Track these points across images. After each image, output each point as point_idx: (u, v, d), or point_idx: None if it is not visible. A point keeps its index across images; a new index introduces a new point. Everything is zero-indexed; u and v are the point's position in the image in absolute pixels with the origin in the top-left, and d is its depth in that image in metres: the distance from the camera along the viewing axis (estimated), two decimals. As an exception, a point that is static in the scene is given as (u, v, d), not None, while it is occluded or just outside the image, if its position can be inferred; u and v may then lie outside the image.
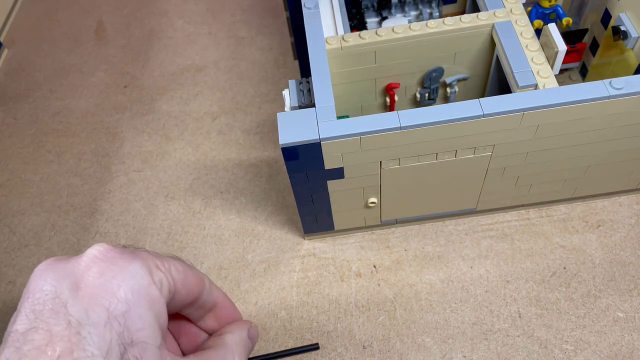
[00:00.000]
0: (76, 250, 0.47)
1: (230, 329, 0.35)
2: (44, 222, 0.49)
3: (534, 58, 0.38)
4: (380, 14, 0.49)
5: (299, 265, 0.44)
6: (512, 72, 0.37)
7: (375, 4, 0.48)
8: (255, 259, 0.45)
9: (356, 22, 0.49)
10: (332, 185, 0.38)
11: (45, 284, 0.26)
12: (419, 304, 0.41)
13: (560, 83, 0.37)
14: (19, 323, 0.25)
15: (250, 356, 0.40)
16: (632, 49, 0.42)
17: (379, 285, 0.42)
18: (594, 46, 0.47)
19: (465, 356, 0.39)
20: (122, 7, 0.68)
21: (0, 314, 0.44)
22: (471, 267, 0.42)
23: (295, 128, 0.34)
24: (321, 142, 0.34)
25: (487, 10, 0.41)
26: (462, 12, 0.50)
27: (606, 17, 0.45)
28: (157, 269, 0.28)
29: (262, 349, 0.40)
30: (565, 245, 0.43)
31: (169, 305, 0.29)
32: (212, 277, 0.44)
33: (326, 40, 0.41)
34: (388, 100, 0.46)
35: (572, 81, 0.50)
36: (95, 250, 0.28)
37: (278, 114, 0.35)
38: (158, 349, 0.27)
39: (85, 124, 0.56)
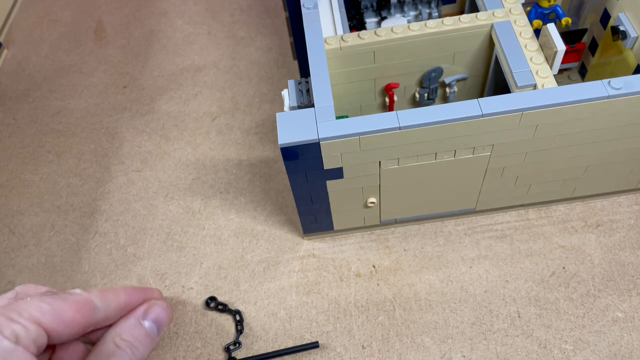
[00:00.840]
0: (75, 250, 0.47)
1: (117, 321, 0.33)
2: (43, 222, 0.49)
3: (532, 58, 0.38)
4: (380, 14, 0.49)
5: (298, 266, 0.44)
6: (511, 72, 0.37)
7: (374, 4, 0.48)
8: (254, 259, 0.45)
9: (355, 22, 0.49)
10: (331, 185, 0.38)
11: None
12: (418, 304, 0.41)
13: (560, 83, 0.37)
14: None
15: (250, 355, 0.40)
16: (631, 48, 0.42)
17: (378, 285, 0.42)
18: (593, 46, 0.47)
19: (464, 356, 0.39)
20: (121, 8, 0.68)
21: (0, 314, 0.44)
22: (470, 267, 0.42)
23: (294, 128, 0.34)
24: (320, 142, 0.34)
25: (486, 10, 0.41)
26: (461, 12, 0.50)
27: (605, 17, 0.45)
28: (9, 322, 0.27)
29: (261, 349, 0.40)
30: (565, 245, 0.43)
31: (53, 342, 0.28)
32: (212, 277, 0.44)
33: (325, 41, 0.41)
34: (387, 100, 0.46)
35: (571, 81, 0.50)
36: None
37: (277, 114, 0.35)
38: None
39: (85, 124, 0.56)
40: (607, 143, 0.38)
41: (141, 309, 0.34)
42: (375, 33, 0.40)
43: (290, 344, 0.40)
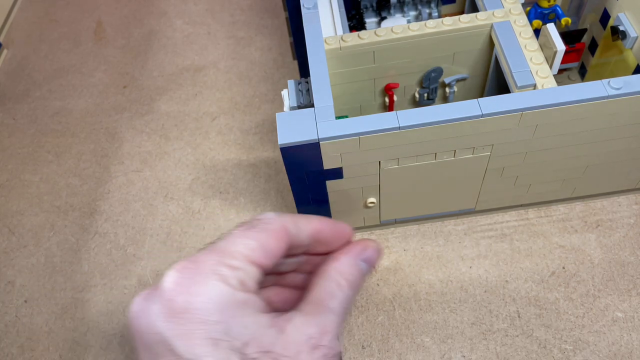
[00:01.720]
0: (75, 250, 0.47)
1: (338, 256, 0.34)
2: (43, 222, 0.49)
3: (532, 58, 0.38)
4: (380, 14, 0.49)
5: (298, 266, 0.44)
6: (510, 72, 0.37)
7: (374, 4, 0.48)
8: (254, 259, 0.45)
9: (355, 23, 0.49)
10: (331, 185, 0.38)
11: (147, 327, 0.28)
12: (418, 304, 0.41)
13: (559, 83, 0.37)
14: None
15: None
16: (631, 48, 0.42)
17: (378, 285, 0.42)
18: (593, 46, 0.47)
19: (464, 356, 0.39)
20: (121, 8, 0.68)
21: None
22: (470, 267, 0.42)
23: (294, 128, 0.34)
24: (320, 142, 0.34)
25: (485, 10, 0.41)
26: (461, 12, 0.50)
27: (605, 17, 0.45)
28: (230, 270, 0.29)
29: (261, 349, 0.40)
30: (565, 245, 0.43)
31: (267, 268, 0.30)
32: (211, 277, 0.44)
33: (325, 41, 0.41)
34: (387, 100, 0.46)
35: (571, 81, 0.50)
36: (169, 283, 0.28)
37: (277, 114, 0.35)
38: (271, 330, 0.28)
39: (85, 124, 0.56)
40: (607, 143, 0.38)
41: (358, 248, 0.35)
42: (375, 33, 0.40)
43: (290, 344, 0.40)
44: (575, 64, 0.50)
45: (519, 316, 0.40)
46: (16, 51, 0.64)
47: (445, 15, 0.49)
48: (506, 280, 0.42)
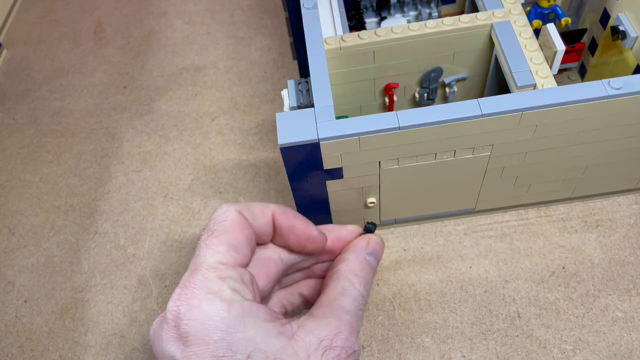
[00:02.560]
0: (75, 250, 0.47)
1: (344, 256, 0.35)
2: (43, 222, 0.49)
3: (532, 58, 0.38)
4: (380, 14, 0.49)
5: (298, 266, 0.44)
6: (510, 72, 0.37)
7: (374, 4, 0.48)
8: (254, 259, 0.45)
9: (355, 23, 0.49)
10: (331, 185, 0.38)
11: (161, 351, 0.30)
12: (418, 304, 0.41)
13: (559, 83, 0.37)
14: None
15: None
16: (631, 48, 0.42)
17: (378, 285, 0.42)
18: (593, 46, 0.47)
19: (464, 356, 0.39)
20: (121, 8, 0.68)
21: (-1, 315, 0.44)
22: (470, 267, 0.42)
23: (294, 128, 0.34)
24: (320, 142, 0.34)
25: (485, 10, 0.41)
26: (461, 12, 0.50)
27: (605, 17, 0.45)
28: (217, 283, 0.30)
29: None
30: (564, 245, 0.43)
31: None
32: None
33: (325, 41, 0.41)
34: (387, 100, 0.46)
35: (571, 81, 0.50)
36: (171, 311, 0.30)
37: (277, 114, 0.35)
38: (278, 338, 0.29)
39: (85, 124, 0.56)
40: (607, 143, 0.38)
41: (362, 244, 0.36)
42: (375, 33, 0.40)
43: (290, 344, 0.40)
44: (575, 64, 0.50)
45: (519, 316, 0.40)
46: (16, 51, 0.64)
47: (445, 15, 0.49)
48: (506, 280, 0.42)
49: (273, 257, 0.36)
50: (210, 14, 0.65)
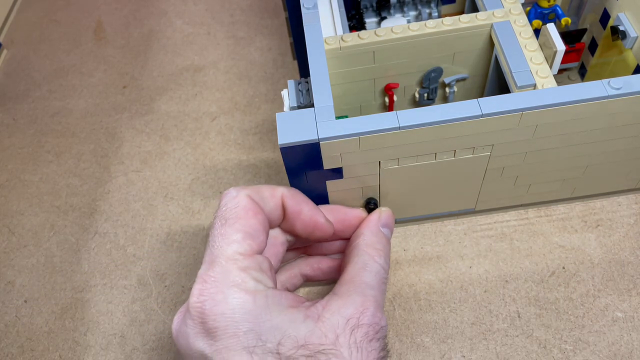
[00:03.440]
0: (75, 250, 0.47)
1: (360, 232, 0.36)
2: (43, 222, 0.49)
3: (532, 58, 0.38)
4: (380, 15, 0.49)
5: (298, 266, 0.44)
6: (510, 72, 0.37)
7: (374, 5, 0.48)
8: (254, 259, 0.45)
9: (355, 23, 0.49)
10: (331, 185, 0.38)
11: (187, 348, 0.30)
12: (418, 304, 0.41)
13: (559, 83, 0.37)
14: None
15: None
16: (631, 48, 0.42)
17: (378, 285, 0.42)
18: (593, 46, 0.47)
19: (464, 356, 0.39)
20: (121, 8, 0.68)
21: (-1, 315, 0.44)
22: (470, 267, 0.42)
23: (294, 128, 0.34)
24: (320, 142, 0.34)
25: (485, 10, 0.41)
26: (462, 12, 0.50)
27: (605, 17, 0.45)
28: (239, 273, 0.30)
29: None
30: (564, 245, 0.43)
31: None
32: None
33: (325, 41, 0.41)
34: (387, 100, 0.46)
35: (571, 81, 0.50)
36: (195, 306, 0.30)
37: (277, 114, 0.35)
38: (305, 322, 0.29)
39: (85, 124, 0.56)
40: (607, 143, 0.38)
41: (374, 217, 0.37)
42: (375, 33, 0.40)
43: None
44: (575, 64, 0.50)
45: (519, 316, 0.40)
46: (16, 51, 0.64)
47: (445, 15, 0.49)
48: (506, 280, 0.42)
49: (279, 237, 0.36)
50: (210, 14, 0.65)
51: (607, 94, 0.34)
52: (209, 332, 0.29)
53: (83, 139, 0.55)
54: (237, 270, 0.30)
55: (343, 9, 0.45)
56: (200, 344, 0.29)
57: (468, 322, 0.40)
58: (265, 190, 0.34)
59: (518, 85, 0.37)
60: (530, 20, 0.45)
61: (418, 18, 0.49)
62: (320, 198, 0.40)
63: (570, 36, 0.47)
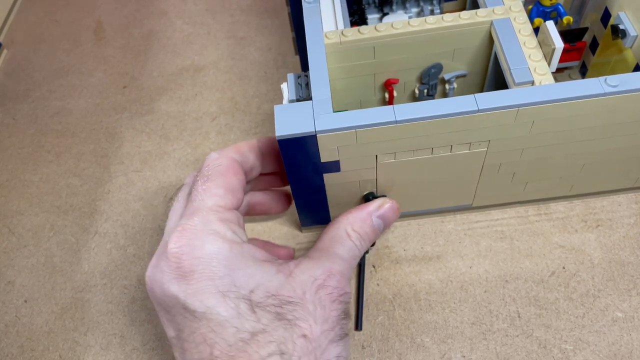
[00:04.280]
0: (75, 250, 0.47)
1: (351, 210, 0.38)
2: (43, 222, 0.49)
3: (531, 55, 0.38)
4: (382, 11, 0.49)
5: (297, 265, 0.44)
6: (509, 69, 0.38)
7: (376, 1, 0.48)
8: (254, 259, 0.45)
9: (357, 18, 0.49)
10: (329, 178, 0.38)
11: (162, 292, 0.31)
12: (418, 304, 0.41)
13: (560, 81, 0.37)
14: (168, 330, 0.32)
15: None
16: (631, 47, 0.42)
17: (377, 285, 0.42)
18: (594, 45, 0.47)
19: (464, 356, 0.38)
20: (121, 8, 0.68)
21: None
22: (470, 267, 0.42)
23: (291, 120, 0.34)
24: (317, 135, 0.34)
25: (486, 7, 0.41)
26: (463, 9, 0.50)
27: (606, 15, 0.44)
28: (219, 224, 0.32)
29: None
30: (564, 245, 0.43)
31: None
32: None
33: (325, 35, 0.41)
34: (387, 95, 0.46)
35: (571, 80, 0.50)
36: (173, 249, 0.31)
37: (275, 106, 0.35)
38: (278, 275, 0.31)
39: (85, 124, 0.56)
40: (604, 141, 0.38)
41: (374, 205, 0.38)
42: (375, 28, 0.40)
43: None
44: (576, 63, 0.50)
45: (519, 316, 0.40)
46: (16, 51, 0.64)
47: (447, 12, 0.49)
48: (506, 280, 0.41)
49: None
50: (210, 14, 0.65)
51: (603, 92, 0.34)
52: (185, 275, 0.30)
53: (83, 139, 0.55)
54: (217, 220, 0.32)
55: (345, 5, 0.45)
56: (174, 288, 0.30)
57: (468, 322, 0.40)
58: (243, 147, 0.36)
59: (516, 81, 0.37)
60: (531, 19, 0.45)
61: (420, 14, 0.49)
62: (317, 191, 0.40)
63: (571, 35, 0.47)
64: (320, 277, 0.32)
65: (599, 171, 0.41)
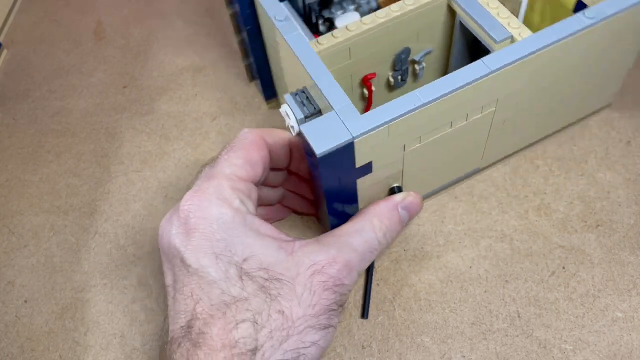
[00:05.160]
0: (75, 250, 0.47)
1: (379, 201, 0.38)
2: (43, 222, 0.49)
3: (499, 13, 0.40)
4: (322, 17, 0.47)
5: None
6: (485, 31, 0.39)
7: (317, 8, 0.47)
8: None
9: (314, 30, 0.47)
10: (361, 182, 0.38)
11: (167, 243, 0.33)
12: (418, 304, 0.41)
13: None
14: (167, 278, 0.34)
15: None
16: None
17: (378, 285, 0.42)
18: None
19: (464, 356, 0.39)
20: (121, 8, 0.68)
21: None
22: (470, 267, 0.42)
23: (324, 134, 0.33)
24: (354, 141, 0.34)
25: None
26: None
27: None
28: (229, 191, 0.34)
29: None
30: (564, 245, 0.43)
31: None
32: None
33: None
34: (366, 91, 0.46)
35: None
36: (184, 206, 0.33)
37: (301, 126, 0.34)
38: (278, 252, 0.33)
39: (85, 124, 0.56)
40: (588, 69, 0.41)
41: (399, 197, 0.38)
42: (347, 28, 0.41)
43: (290, 344, 0.40)
44: None
45: (519, 316, 0.40)
46: (16, 51, 0.64)
47: (385, 2, 0.48)
48: (506, 280, 0.42)
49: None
50: (211, 14, 0.65)
51: (586, 24, 0.37)
52: (188, 231, 0.32)
53: (83, 139, 0.55)
54: (228, 187, 0.34)
55: (300, 20, 0.45)
56: (177, 240, 0.32)
57: (468, 322, 0.40)
58: (276, 131, 0.38)
59: (497, 40, 0.38)
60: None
61: (358, 10, 0.48)
62: (351, 199, 0.39)
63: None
64: (319, 263, 0.33)
65: (581, 100, 0.44)
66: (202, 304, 0.31)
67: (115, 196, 0.50)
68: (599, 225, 0.44)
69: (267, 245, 0.33)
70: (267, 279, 0.32)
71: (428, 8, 0.42)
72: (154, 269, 0.45)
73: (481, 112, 0.39)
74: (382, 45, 0.43)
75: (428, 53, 0.46)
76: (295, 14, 0.45)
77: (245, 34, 0.46)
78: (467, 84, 0.35)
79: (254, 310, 0.31)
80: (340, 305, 0.34)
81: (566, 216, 0.44)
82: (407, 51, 0.45)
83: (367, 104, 0.47)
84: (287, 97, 0.37)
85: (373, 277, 0.42)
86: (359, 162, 0.36)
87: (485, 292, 0.41)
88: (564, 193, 0.45)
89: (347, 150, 0.34)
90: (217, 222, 0.32)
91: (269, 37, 0.45)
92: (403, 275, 0.42)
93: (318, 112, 0.37)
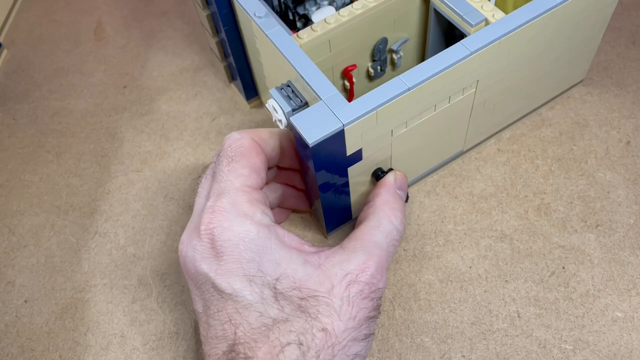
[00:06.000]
0: (75, 250, 0.47)
1: (377, 192, 0.37)
2: (43, 222, 0.49)
3: None
4: (297, 13, 0.47)
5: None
6: (460, 16, 0.39)
7: (291, 5, 0.47)
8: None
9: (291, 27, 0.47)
10: (352, 170, 0.39)
11: (194, 269, 0.32)
12: (417, 304, 0.41)
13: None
14: (196, 304, 0.33)
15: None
16: None
17: (378, 285, 0.42)
18: None
19: (464, 356, 0.39)
20: (121, 8, 0.68)
21: (0, 314, 0.44)
22: (470, 267, 0.42)
23: (314, 124, 0.34)
24: (344, 128, 0.34)
25: None
26: None
27: None
28: (247, 206, 0.32)
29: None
30: (564, 245, 0.43)
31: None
32: (211, 277, 0.44)
33: None
34: (347, 83, 0.46)
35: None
36: (205, 230, 0.32)
37: (291, 117, 0.34)
38: (305, 266, 0.31)
39: (85, 124, 0.56)
40: (564, 44, 0.43)
41: (391, 179, 0.38)
42: (325, 21, 0.41)
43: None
44: None
45: (518, 316, 0.40)
46: (16, 51, 0.64)
47: None
48: (506, 280, 0.42)
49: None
50: (210, 14, 0.65)
51: (556, 3, 0.38)
52: (215, 256, 0.31)
53: (83, 139, 0.55)
54: (245, 202, 0.32)
55: (277, 17, 0.45)
56: (205, 266, 0.31)
57: (468, 322, 0.40)
58: (264, 132, 0.36)
59: (473, 24, 0.39)
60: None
61: (332, 4, 0.48)
62: (343, 188, 0.40)
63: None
64: (352, 272, 0.32)
65: (557, 74, 0.45)
66: (243, 329, 0.30)
67: (115, 196, 0.50)
68: (599, 225, 0.44)
69: (294, 260, 0.32)
70: (302, 298, 0.31)
71: None
72: (154, 268, 0.45)
73: (463, 94, 0.39)
74: (361, 36, 0.43)
75: (405, 42, 0.47)
76: (272, 11, 0.45)
77: (223, 34, 0.46)
78: (449, 66, 0.36)
79: (298, 331, 0.30)
80: (376, 310, 0.33)
81: (566, 216, 0.44)
82: (384, 41, 0.45)
83: (349, 96, 0.47)
84: (273, 92, 0.38)
85: None
86: (350, 149, 0.36)
87: (485, 292, 0.41)
88: (564, 193, 0.45)
89: (338, 138, 0.34)
90: (243, 242, 0.31)
91: (248, 36, 0.45)
92: (403, 275, 0.43)
93: (305, 104, 0.37)
